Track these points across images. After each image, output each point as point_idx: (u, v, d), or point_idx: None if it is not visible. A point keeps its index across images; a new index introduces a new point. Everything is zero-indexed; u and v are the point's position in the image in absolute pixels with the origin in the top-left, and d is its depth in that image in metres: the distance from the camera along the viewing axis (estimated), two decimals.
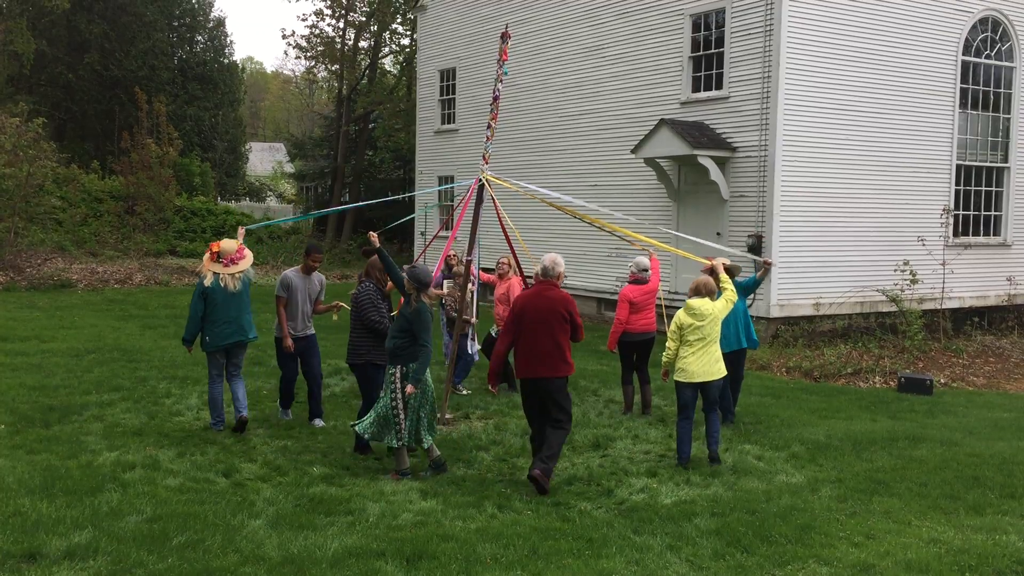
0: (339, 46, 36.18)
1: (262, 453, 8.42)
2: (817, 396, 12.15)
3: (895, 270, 15.63)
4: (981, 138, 18.02)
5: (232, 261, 8.98)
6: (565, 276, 8.01)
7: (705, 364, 8.42)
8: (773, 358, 14.59)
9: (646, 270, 10.48)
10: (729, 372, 9.04)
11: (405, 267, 8.15)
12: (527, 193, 11.43)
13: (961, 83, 17.47)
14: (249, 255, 9.17)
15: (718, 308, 8.52)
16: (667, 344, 8.62)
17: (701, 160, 15.95)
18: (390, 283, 8.69)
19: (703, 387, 8.52)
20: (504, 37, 9.87)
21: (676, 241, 15.90)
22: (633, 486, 7.72)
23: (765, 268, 10.30)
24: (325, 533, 6.29)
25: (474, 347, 11.64)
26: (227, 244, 9.07)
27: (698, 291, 8.57)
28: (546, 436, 7.69)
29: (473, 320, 11.48)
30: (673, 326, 8.53)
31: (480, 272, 11.80)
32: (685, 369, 8.45)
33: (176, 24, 41.66)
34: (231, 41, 61.37)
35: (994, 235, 18.41)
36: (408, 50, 36.42)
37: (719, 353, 8.57)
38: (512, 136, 21.09)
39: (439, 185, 24.46)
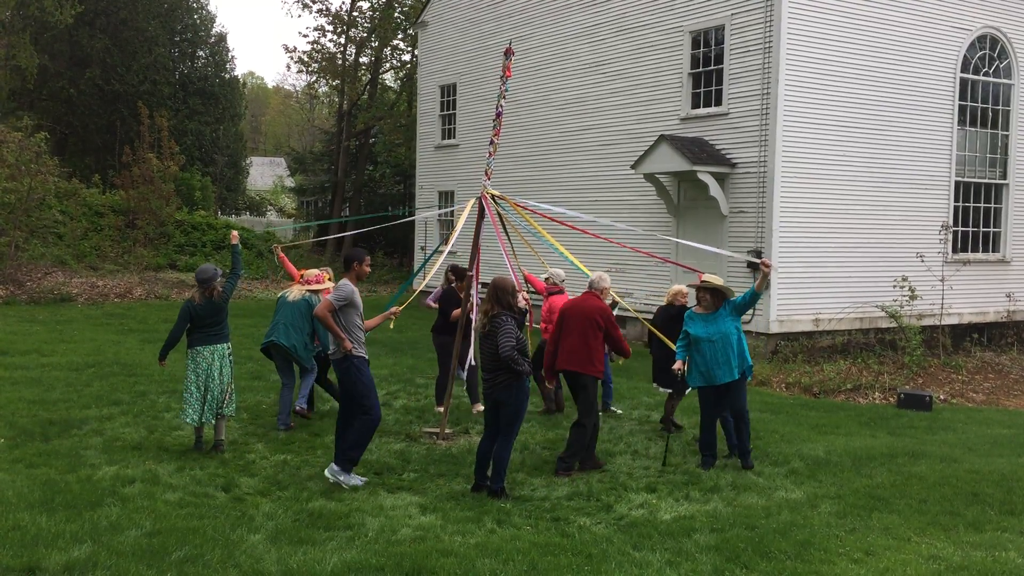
0: (340, 62, 36.36)
1: (261, 468, 8.42)
2: (816, 412, 12.15)
3: (894, 286, 15.67)
4: (980, 155, 18.08)
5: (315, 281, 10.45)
6: (610, 291, 9.20)
7: None
8: (772, 374, 14.59)
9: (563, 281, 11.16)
10: (730, 405, 8.99)
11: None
12: (528, 208, 11.45)
13: (960, 100, 17.54)
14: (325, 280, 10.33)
15: None
16: None
17: (701, 176, 15.99)
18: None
19: None
20: (507, 54, 9.90)
21: (677, 249, 16.00)
22: (632, 501, 7.73)
23: (764, 273, 8.58)
24: (324, 548, 6.29)
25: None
26: (309, 271, 10.76)
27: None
28: (569, 434, 8.77)
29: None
30: None
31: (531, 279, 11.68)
32: None
33: (178, 39, 41.88)
34: (232, 56, 61.46)
35: (993, 251, 18.44)
36: (409, 66, 36.60)
37: None
38: (512, 152, 21.15)
39: (439, 199, 24.55)
